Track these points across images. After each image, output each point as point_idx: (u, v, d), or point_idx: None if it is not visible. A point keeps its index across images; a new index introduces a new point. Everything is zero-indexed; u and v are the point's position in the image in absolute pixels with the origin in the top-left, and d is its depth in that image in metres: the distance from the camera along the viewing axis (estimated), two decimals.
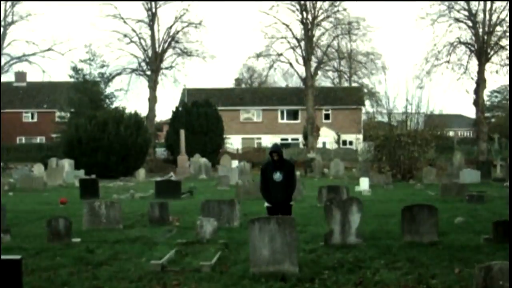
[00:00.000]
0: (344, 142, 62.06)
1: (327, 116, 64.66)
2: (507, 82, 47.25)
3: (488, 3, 46.62)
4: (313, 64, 51.44)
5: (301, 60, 50.50)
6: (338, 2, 50.26)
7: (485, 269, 6.70)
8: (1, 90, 46.69)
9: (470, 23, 47.47)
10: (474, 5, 47.22)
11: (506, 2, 43.80)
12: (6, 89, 61.54)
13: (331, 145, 58.76)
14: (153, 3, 50.64)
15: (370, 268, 9.17)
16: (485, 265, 6.79)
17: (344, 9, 50.26)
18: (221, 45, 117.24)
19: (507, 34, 44.33)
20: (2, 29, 51.06)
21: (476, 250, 10.44)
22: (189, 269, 9.23)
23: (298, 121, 63.97)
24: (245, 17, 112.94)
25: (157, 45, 50.83)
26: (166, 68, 52.60)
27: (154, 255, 10.24)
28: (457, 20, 47.57)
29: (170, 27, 51.20)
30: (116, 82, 53.53)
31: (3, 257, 6.06)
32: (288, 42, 50.42)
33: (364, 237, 11.28)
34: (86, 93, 49.28)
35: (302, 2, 49.39)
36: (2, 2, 50.94)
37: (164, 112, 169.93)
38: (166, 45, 51.44)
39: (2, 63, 51.30)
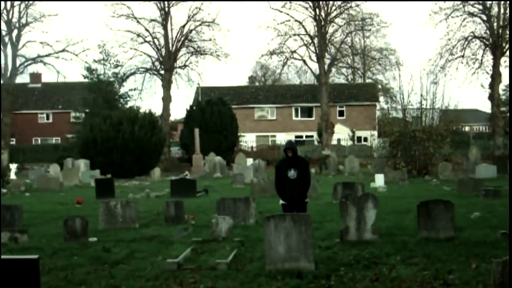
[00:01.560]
0: (359, 139, 61.84)
1: (341, 113, 64.49)
2: None
3: None
4: (327, 61, 51.17)
5: (314, 57, 50.22)
6: None
7: (502, 264, 6.66)
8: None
9: (484, 17, 47.02)
10: None
11: None
12: (22, 90, 62.03)
13: (345, 142, 58.60)
14: (166, 2, 50.69)
15: (386, 264, 9.14)
16: (503, 260, 6.75)
17: (357, 5, 50.07)
18: (234, 43, 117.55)
19: None
20: (16, 30, 51.33)
21: (493, 245, 10.36)
22: (205, 267, 9.25)
23: (313, 118, 63.88)
24: (257, 14, 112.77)
25: (170, 44, 50.82)
26: (180, 67, 52.60)
27: (170, 254, 10.28)
28: (471, 14, 47.14)
29: (183, 26, 51.16)
30: (130, 81, 53.83)
31: (20, 256, 6.12)
32: (301, 39, 50.17)
33: (380, 233, 11.24)
34: (100, 93, 49.60)
35: None
36: (15, 3, 51.22)
37: (178, 111, 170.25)
38: (179, 44, 51.40)
39: (17, 65, 51.62)
